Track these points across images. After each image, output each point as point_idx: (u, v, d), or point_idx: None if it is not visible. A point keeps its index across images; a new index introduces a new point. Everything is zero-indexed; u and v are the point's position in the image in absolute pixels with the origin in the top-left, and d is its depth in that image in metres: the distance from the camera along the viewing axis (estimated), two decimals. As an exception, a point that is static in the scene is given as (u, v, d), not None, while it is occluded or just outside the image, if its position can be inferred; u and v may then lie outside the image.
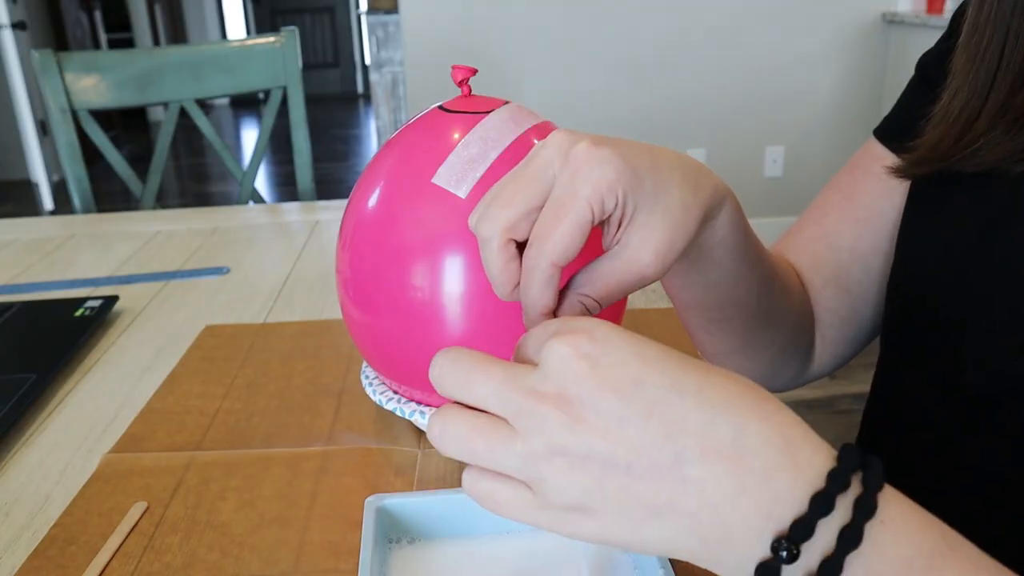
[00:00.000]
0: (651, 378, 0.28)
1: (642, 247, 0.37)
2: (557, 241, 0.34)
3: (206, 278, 0.90)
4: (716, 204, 0.41)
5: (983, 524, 0.50)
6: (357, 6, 7.27)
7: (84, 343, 0.73)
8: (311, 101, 6.77)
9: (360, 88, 7.66)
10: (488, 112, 0.50)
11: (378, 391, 0.55)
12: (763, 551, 0.27)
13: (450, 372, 0.31)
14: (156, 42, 6.37)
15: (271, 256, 0.97)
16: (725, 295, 0.50)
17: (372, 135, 5.93)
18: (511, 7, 2.82)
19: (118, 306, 0.83)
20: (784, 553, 0.26)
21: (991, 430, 0.48)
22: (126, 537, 0.48)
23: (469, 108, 0.50)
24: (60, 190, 4.42)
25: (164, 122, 1.40)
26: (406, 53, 2.88)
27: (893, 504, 0.27)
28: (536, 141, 0.49)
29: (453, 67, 0.49)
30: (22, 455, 0.58)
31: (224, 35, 7.32)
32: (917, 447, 0.55)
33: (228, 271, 0.92)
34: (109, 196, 4.22)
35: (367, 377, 0.58)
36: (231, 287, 0.88)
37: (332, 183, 4.55)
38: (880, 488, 0.27)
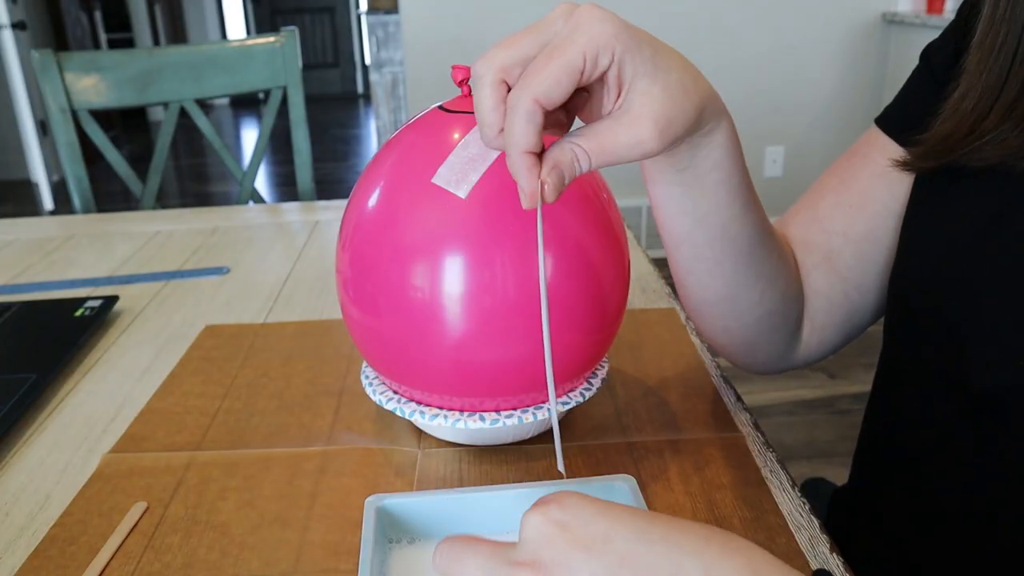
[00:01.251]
0: (619, 532, 0.30)
1: (642, 114, 0.37)
2: (543, 78, 0.35)
3: (206, 278, 0.90)
4: (713, 111, 0.42)
5: (985, 522, 0.50)
6: (357, 6, 7.27)
7: (84, 343, 0.73)
8: (311, 101, 6.77)
9: (360, 88, 7.65)
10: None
11: (378, 391, 0.55)
12: None
13: (447, 553, 0.33)
14: (156, 42, 6.37)
15: (271, 256, 0.97)
16: (716, 230, 0.50)
17: (372, 135, 5.93)
18: (511, 7, 2.82)
19: (118, 306, 0.83)
20: None
21: (994, 428, 0.48)
22: (126, 537, 0.48)
23: (469, 108, 0.50)
24: (60, 190, 4.42)
25: (164, 122, 1.40)
26: (406, 53, 2.88)
27: None
28: None
29: (453, 67, 0.49)
30: (22, 455, 0.58)
31: (224, 35, 7.32)
32: (919, 444, 0.55)
33: (228, 271, 0.92)
34: (109, 196, 4.23)
35: (367, 377, 0.58)
36: (231, 287, 0.88)
37: (332, 183, 4.55)
38: None
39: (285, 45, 1.41)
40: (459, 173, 0.48)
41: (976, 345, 0.49)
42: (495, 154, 0.48)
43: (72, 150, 1.34)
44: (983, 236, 0.49)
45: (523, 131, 0.36)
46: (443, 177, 0.48)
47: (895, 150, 0.57)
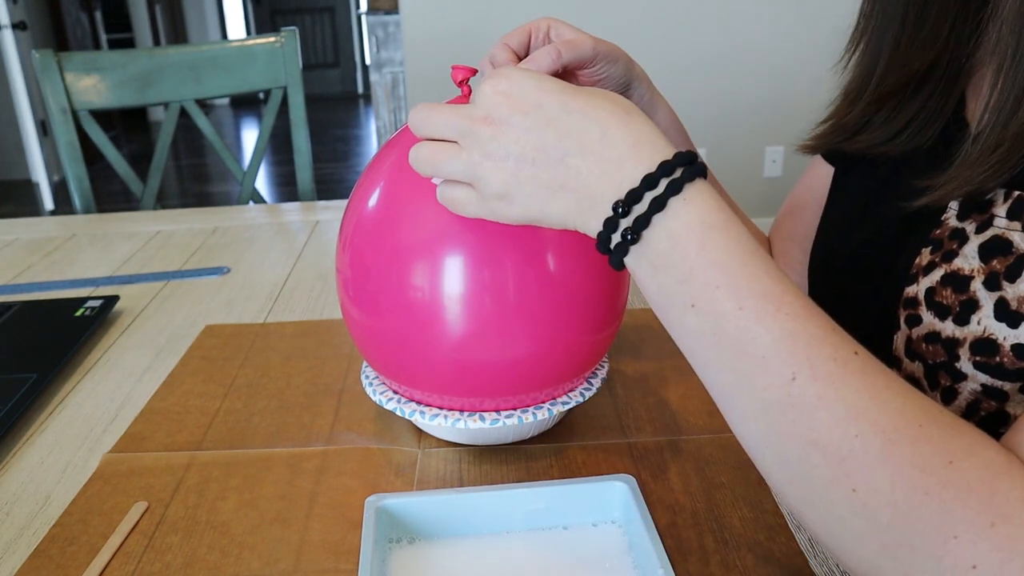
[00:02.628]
0: (547, 101, 0.39)
1: (579, 34, 0.56)
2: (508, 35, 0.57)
3: (206, 278, 0.90)
4: (640, 71, 0.60)
5: None
6: (357, 6, 7.27)
7: (84, 343, 0.73)
8: (311, 101, 6.77)
9: (360, 88, 7.65)
10: None
11: (378, 391, 0.55)
12: (608, 212, 0.38)
13: (418, 115, 0.43)
14: (156, 42, 6.37)
15: (271, 256, 0.97)
16: None
17: (372, 135, 5.93)
18: (511, 7, 2.82)
19: (118, 306, 0.83)
20: (621, 209, 0.38)
21: None
22: (126, 537, 0.48)
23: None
24: (60, 190, 4.42)
25: (164, 122, 1.40)
26: (406, 53, 2.88)
27: (700, 192, 0.37)
28: None
29: (453, 67, 0.49)
30: (22, 455, 0.58)
31: (224, 35, 7.32)
32: None
33: (228, 271, 0.92)
34: (109, 196, 4.23)
35: (367, 377, 0.58)
36: (231, 287, 0.88)
37: (332, 183, 4.55)
38: (692, 180, 0.37)
39: (285, 45, 1.41)
40: None
41: (848, 308, 0.55)
42: None
43: (72, 150, 1.34)
44: (854, 220, 0.57)
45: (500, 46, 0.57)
46: None
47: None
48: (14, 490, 0.54)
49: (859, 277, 0.56)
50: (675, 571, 0.42)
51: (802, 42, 2.90)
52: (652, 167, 0.37)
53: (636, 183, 0.37)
